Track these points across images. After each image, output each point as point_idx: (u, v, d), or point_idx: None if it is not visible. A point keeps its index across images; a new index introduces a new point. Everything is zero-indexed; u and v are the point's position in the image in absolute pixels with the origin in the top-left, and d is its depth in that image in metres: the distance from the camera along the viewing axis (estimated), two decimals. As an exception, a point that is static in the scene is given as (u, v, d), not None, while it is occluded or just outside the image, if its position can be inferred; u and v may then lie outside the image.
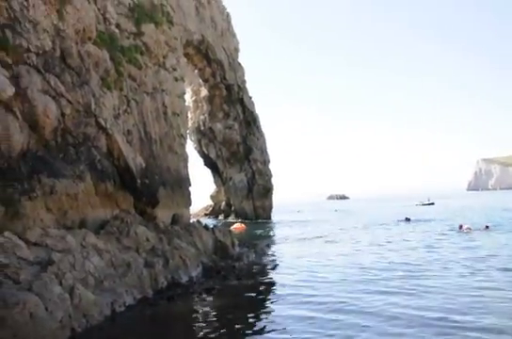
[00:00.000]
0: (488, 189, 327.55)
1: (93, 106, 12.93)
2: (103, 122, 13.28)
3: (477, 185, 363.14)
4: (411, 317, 8.43)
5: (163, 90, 19.61)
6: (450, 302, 9.45)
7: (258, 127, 52.27)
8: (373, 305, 9.44)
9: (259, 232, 33.10)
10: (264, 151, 52.06)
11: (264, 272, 14.34)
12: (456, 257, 15.96)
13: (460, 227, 25.66)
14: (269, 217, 50.12)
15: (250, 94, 52.15)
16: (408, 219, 36.58)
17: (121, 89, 15.68)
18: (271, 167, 52.29)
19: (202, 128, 52.58)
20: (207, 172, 55.54)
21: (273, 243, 24.36)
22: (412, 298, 9.98)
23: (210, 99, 50.55)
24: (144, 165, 15.74)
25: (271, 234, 31.70)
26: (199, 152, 53.99)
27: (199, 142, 53.41)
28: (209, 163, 53.83)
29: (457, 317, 8.34)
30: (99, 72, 14.08)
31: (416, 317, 8.42)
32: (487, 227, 25.64)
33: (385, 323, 8.17)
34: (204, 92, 50.97)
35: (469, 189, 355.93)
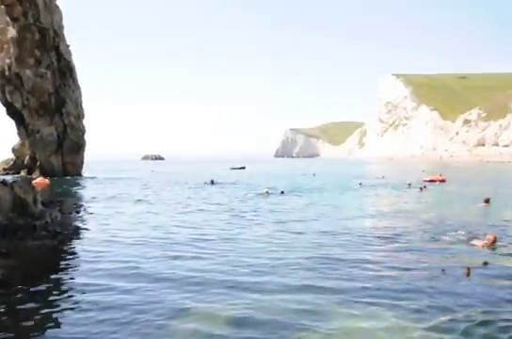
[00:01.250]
0: (293, 157, 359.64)
1: None
2: None
3: (284, 152, 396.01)
4: (201, 280, 8.52)
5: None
6: (232, 264, 9.80)
7: (74, 79, 48.72)
8: (164, 269, 9.40)
9: (67, 189, 31.50)
10: (79, 104, 48.97)
11: (67, 233, 13.72)
12: (243, 220, 16.67)
13: (263, 191, 27.91)
14: (79, 174, 47.89)
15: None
16: (213, 182, 38.10)
17: None
18: (85, 122, 49.62)
19: (7, 73, 46.85)
20: (11, 122, 50.04)
21: (81, 201, 23.50)
22: (198, 261, 10.11)
23: (19, 41, 45.09)
24: None
25: (80, 192, 30.46)
26: (0, 99, 48.15)
27: (1, 88, 47.55)
28: (13, 112, 48.50)
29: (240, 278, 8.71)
30: None
31: (205, 279, 8.57)
32: (282, 192, 28.38)
33: (176, 285, 8.21)
34: (12, 33, 45.24)
35: (276, 156, 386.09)
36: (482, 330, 6.11)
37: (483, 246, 11.20)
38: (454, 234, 13.31)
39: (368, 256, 10.58)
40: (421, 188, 30.86)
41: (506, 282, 8.36)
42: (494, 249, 11.08)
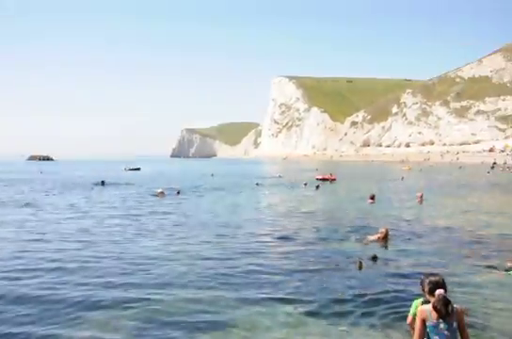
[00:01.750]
0: (189, 157, 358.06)
1: None
2: None
3: (180, 152, 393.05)
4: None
5: None
6: (117, 276, 8.85)
7: None
8: (36, 285, 8.28)
9: None
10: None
11: None
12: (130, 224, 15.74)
13: (159, 191, 27.21)
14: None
15: None
16: (103, 183, 36.59)
17: None
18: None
19: None
20: None
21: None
22: (84, 272, 9.17)
23: None
24: None
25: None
26: None
27: None
28: None
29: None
30: None
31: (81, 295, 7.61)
32: (178, 192, 27.95)
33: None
34: None
35: (172, 156, 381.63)
36: (366, 318, 6.58)
37: (376, 239, 11.82)
38: (348, 230, 14.00)
39: (265, 257, 10.46)
40: (317, 187, 32.07)
41: (393, 274, 8.91)
42: (386, 241, 11.75)
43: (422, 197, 23.28)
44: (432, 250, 11.11)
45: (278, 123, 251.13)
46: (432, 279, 4.50)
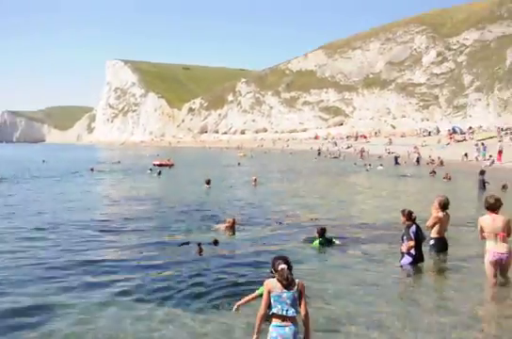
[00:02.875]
0: (13, 142, 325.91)
1: None
2: None
3: (2, 137, 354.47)
4: None
5: None
6: None
7: None
8: None
9: None
10: None
11: None
12: None
13: None
14: None
15: None
16: None
17: None
18: None
19: None
20: None
21: None
22: None
23: None
24: None
25: None
26: None
27: None
28: None
29: None
30: None
31: None
32: None
33: None
34: None
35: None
36: (203, 301, 6.79)
37: (224, 229, 12.12)
38: (187, 216, 14.26)
39: (101, 254, 9.73)
40: (159, 173, 31.71)
41: (232, 258, 9.47)
42: (233, 230, 12.01)
43: (256, 181, 24.66)
44: (268, 233, 11.96)
45: (113, 108, 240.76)
46: (277, 260, 5.19)
